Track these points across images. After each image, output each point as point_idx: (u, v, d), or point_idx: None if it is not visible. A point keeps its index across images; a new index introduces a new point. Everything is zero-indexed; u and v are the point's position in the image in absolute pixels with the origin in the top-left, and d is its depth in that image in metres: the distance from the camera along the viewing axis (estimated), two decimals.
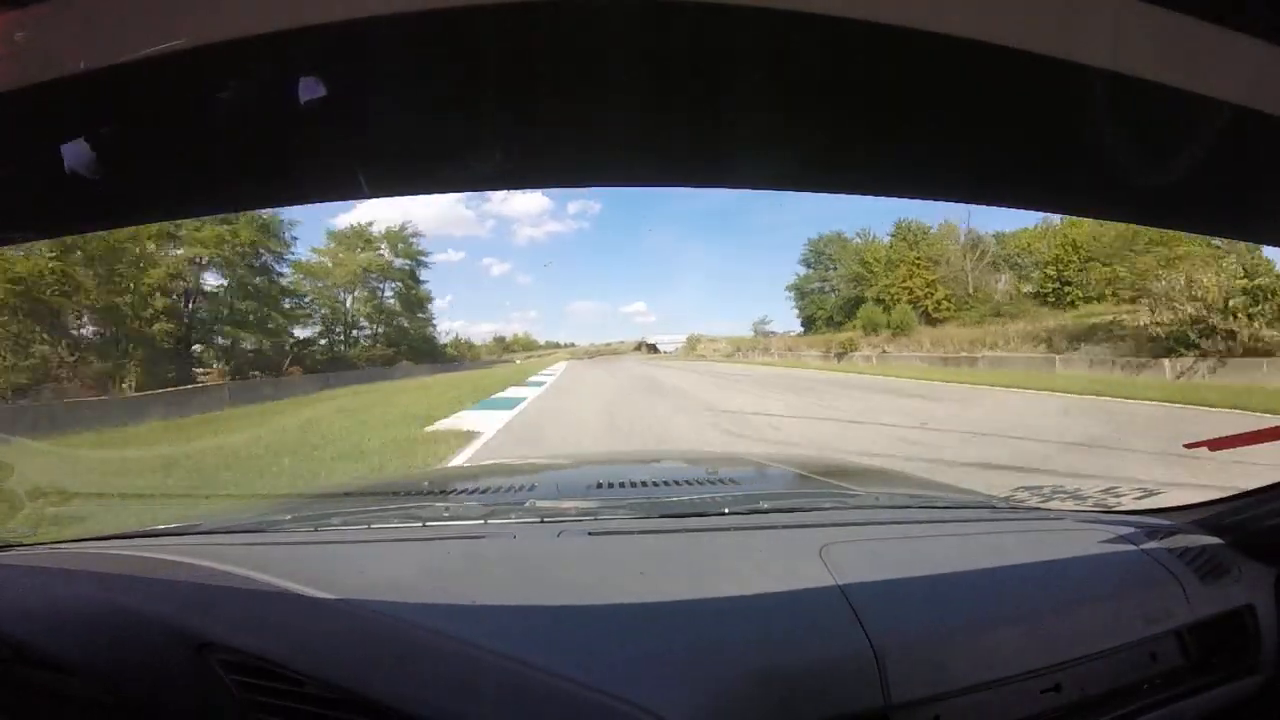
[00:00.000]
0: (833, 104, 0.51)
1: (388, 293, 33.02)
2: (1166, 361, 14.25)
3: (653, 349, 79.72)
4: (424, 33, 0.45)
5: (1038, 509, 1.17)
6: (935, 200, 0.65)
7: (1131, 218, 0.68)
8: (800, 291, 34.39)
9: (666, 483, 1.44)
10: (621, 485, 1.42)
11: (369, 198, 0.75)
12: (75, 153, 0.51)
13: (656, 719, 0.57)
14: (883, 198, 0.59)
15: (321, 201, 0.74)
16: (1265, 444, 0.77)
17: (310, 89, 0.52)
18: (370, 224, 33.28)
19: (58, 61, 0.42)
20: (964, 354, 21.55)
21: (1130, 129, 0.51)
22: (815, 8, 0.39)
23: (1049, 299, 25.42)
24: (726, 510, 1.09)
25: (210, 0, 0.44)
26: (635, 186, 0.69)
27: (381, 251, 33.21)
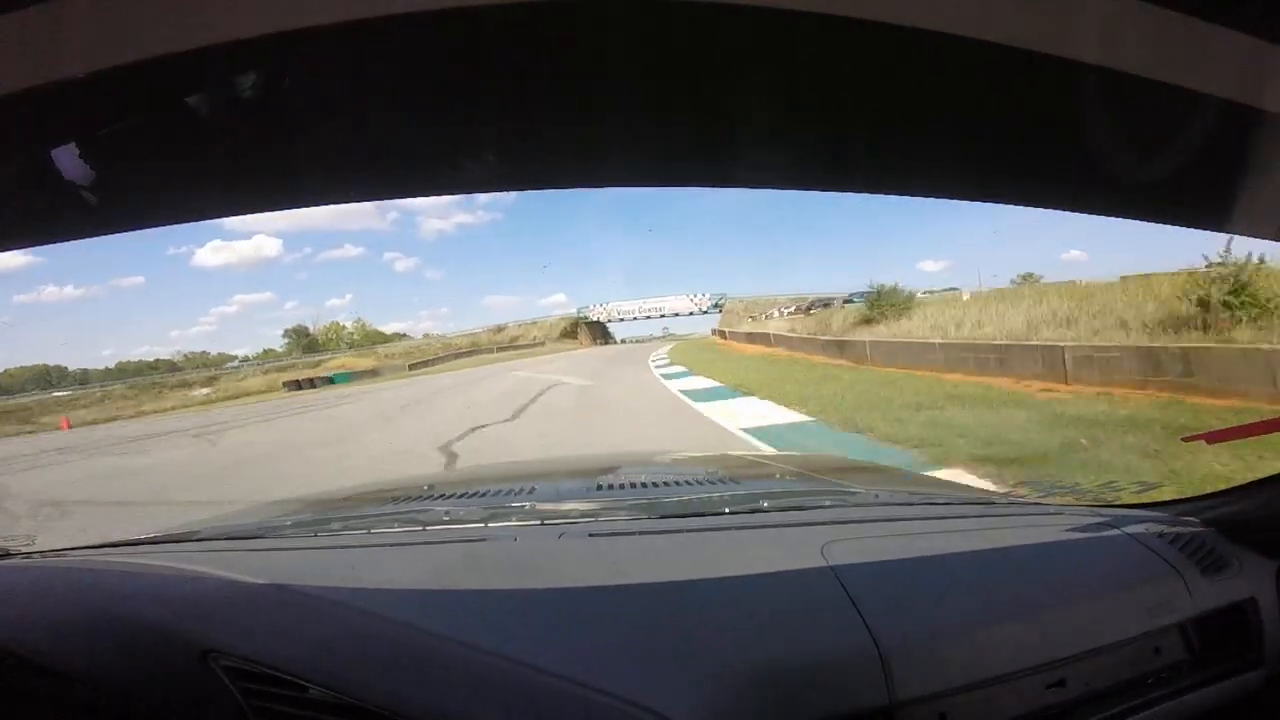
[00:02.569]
0: (833, 103, 0.51)
1: None
2: None
3: (604, 334, 58.45)
4: (421, 34, 0.45)
5: (1038, 503, 1.17)
6: (936, 198, 0.65)
7: (1126, 213, 0.69)
8: None
9: (667, 483, 1.44)
10: (622, 486, 1.42)
11: (367, 200, 0.75)
12: (74, 156, 0.51)
13: (661, 719, 0.57)
14: (882, 196, 0.59)
15: (320, 204, 0.74)
16: (1264, 435, 0.78)
17: (309, 91, 0.52)
18: None
19: (57, 64, 0.42)
20: None
21: (1125, 125, 0.51)
22: (815, 6, 0.40)
23: None
24: (727, 510, 1.09)
25: (208, 3, 0.44)
26: (636, 188, 0.69)
27: None
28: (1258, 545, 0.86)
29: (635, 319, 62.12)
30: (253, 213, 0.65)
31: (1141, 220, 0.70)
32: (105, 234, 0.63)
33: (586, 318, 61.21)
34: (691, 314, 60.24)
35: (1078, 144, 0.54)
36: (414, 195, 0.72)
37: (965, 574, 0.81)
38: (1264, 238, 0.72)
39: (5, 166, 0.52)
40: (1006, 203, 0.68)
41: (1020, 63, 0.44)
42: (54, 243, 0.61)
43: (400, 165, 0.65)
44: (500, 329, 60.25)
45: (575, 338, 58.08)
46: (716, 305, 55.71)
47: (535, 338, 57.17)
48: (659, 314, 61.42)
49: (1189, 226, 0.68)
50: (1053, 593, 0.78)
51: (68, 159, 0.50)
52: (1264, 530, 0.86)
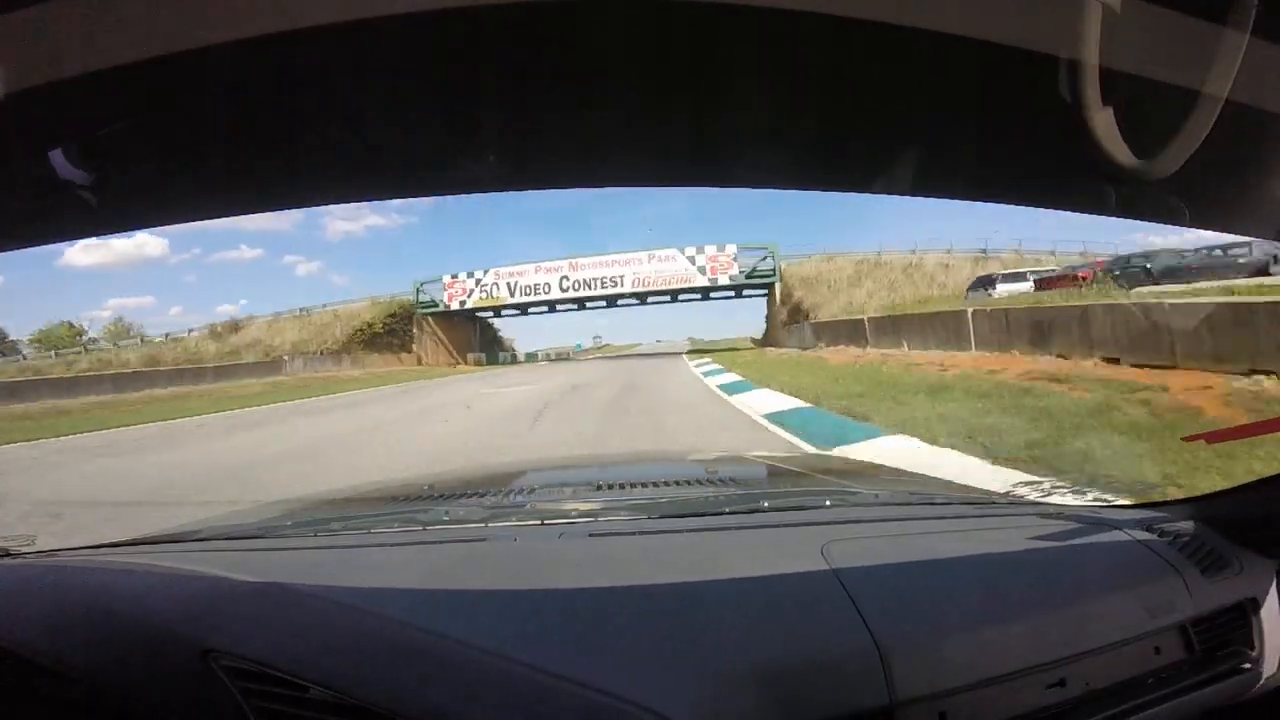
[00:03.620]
0: (831, 102, 0.51)
1: None
2: None
3: (488, 341, 31.95)
4: (421, 34, 0.45)
5: (1038, 504, 1.17)
6: (935, 198, 0.65)
7: (1127, 213, 0.69)
8: None
9: (667, 483, 1.44)
10: (622, 486, 1.42)
11: (367, 200, 0.75)
12: (74, 156, 0.51)
13: (661, 719, 0.57)
14: (881, 195, 0.59)
15: (320, 205, 0.74)
16: (1264, 435, 0.78)
17: (309, 91, 0.52)
18: None
19: (58, 63, 0.42)
20: None
21: (1125, 125, 0.51)
22: (814, 6, 0.40)
23: None
24: (727, 510, 1.09)
25: (208, 3, 0.44)
26: (634, 187, 0.70)
27: None
28: (1258, 545, 0.86)
29: (566, 305, 29.97)
30: (253, 213, 0.66)
31: (1142, 220, 0.70)
32: (105, 234, 0.63)
33: (436, 305, 29.09)
34: (678, 297, 29.49)
35: (1079, 144, 0.54)
36: (414, 195, 0.72)
37: (965, 574, 0.81)
38: (1264, 237, 0.72)
39: (5, 166, 0.53)
40: (1006, 202, 0.68)
41: (1020, 62, 0.44)
42: (54, 242, 0.61)
43: (400, 165, 0.65)
44: (237, 327, 30.27)
45: (404, 349, 28.21)
46: (758, 277, 27.14)
47: (273, 351, 26.54)
48: (613, 288, 28.41)
49: (1189, 226, 0.68)
50: (1053, 593, 0.78)
51: (68, 159, 0.51)
52: (1264, 530, 0.86)
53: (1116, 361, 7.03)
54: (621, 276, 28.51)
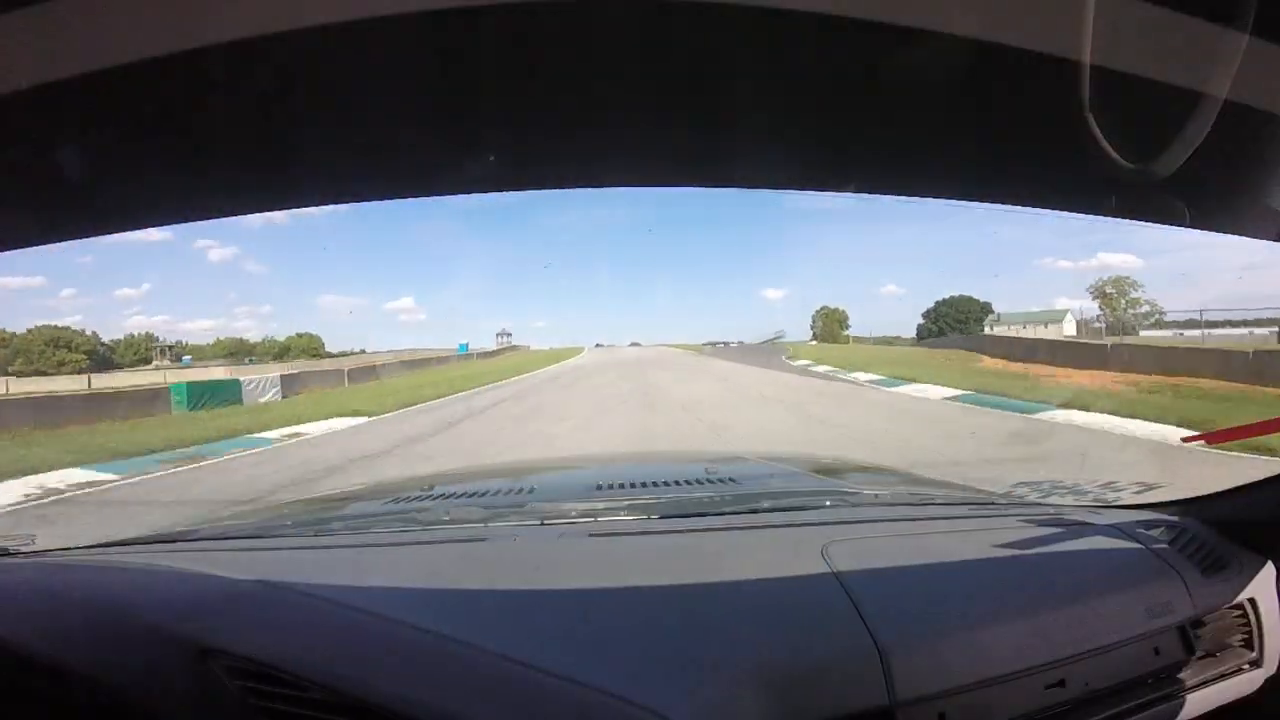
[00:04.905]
0: (832, 102, 0.51)
1: None
2: None
3: None
4: (422, 34, 0.45)
5: (1038, 504, 1.17)
6: (935, 198, 0.65)
7: (1128, 214, 0.69)
8: None
9: (667, 483, 1.44)
10: (622, 486, 1.42)
11: (366, 200, 0.75)
12: (74, 156, 0.51)
13: (661, 719, 0.57)
14: (883, 196, 0.59)
15: (320, 204, 0.74)
16: (1264, 435, 0.78)
17: (308, 92, 0.52)
18: None
19: (57, 64, 0.42)
20: None
21: (1125, 125, 0.51)
22: (815, 6, 0.40)
23: None
24: (728, 510, 1.09)
25: (209, 3, 0.44)
26: (635, 187, 0.70)
27: None
28: (1258, 545, 0.86)
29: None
30: (253, 212, 0.66)
31: (1143, 221, 0.70)
32: (105, 234, 0.63)
33: None
34: None
35: (1079, 145, 0.54)
36: (413, 195, 0.72)
37: (965, 574, 0.81)
38: (1265, 238, 0.72)
39: (5, 166, 0.53)
40: (1007, 203, 0.68)
41: (1019, 63, 0.44)
42: (54, 242, 0.61)
43: (400, 165, 0.65)
44: None
45: None
46: None
47: None
48: None
49: (1189, 227, 0.68)
50: (1052, 593, 0.78)
51: (68, 159, 0.51)
52: (1264, 530, 0.86)
53: None
54: None
